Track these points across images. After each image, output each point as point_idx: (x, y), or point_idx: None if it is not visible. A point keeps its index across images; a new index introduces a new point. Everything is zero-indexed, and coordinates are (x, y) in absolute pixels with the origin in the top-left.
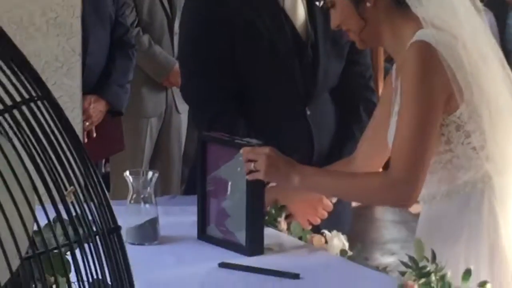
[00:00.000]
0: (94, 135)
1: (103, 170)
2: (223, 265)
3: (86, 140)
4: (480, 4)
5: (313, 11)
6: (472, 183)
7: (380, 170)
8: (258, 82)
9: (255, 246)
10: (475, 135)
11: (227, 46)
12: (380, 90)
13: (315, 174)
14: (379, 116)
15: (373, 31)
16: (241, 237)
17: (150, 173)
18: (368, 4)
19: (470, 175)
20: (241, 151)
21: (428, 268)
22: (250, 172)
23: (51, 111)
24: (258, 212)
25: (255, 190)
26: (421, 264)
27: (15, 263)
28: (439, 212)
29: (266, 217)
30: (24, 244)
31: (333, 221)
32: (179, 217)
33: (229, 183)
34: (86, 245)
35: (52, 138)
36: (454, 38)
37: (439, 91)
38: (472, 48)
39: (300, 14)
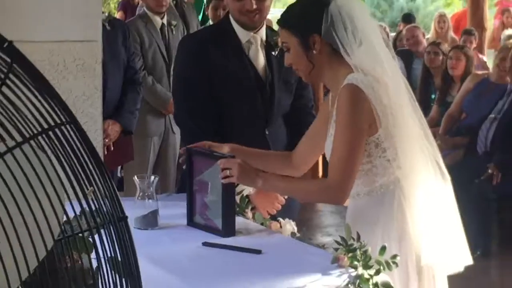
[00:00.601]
0: (112, 149)
1: (119, 175)
2: (206, 244)
3: (105, 153)
4: (394, 53)
5: (270, 59)
6: (386, 185)
7: (320, 177)
8: (231, 111)
9: (229, 230)
10: (389, 150)
11: (207, 87)
12: None
13: (273, 179)
14: (315, 128)
15: (318, 71)
16: (218, 223)
17: (152, 177)
18: (315, 52)
19: (385, 180)
20: (218, 162)
21: (354, 246)
22: (226, 177)
23: (77, 133)
24: (231, 205)
25: (228, 189)
26: (349, 243)
27: (50, 244)
28: (362, 205)
29: (237, 209)
30: (56, 230)
31: (286, 212)
32: (173, 209)
33: (210, 184)
34: (102, 230)
35: (78, 152)
36: (377, 80)
37: (364, 120)
38: (392, 87)
39: (260, 61)
